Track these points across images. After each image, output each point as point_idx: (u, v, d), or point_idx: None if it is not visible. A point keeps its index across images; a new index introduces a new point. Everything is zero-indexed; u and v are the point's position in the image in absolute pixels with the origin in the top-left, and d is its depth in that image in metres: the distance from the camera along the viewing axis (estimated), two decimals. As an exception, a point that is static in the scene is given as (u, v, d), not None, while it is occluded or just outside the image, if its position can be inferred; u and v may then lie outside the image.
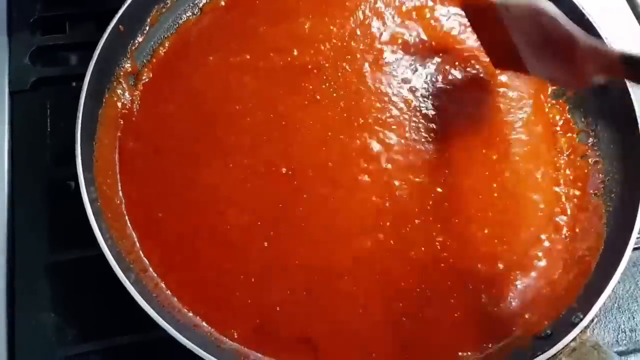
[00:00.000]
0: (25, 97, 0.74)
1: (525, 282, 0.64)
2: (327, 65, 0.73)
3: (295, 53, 0.74)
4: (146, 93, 0.72)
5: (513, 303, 0.63)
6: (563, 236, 0.67)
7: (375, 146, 0.69)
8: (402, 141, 0.69)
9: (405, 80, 0.73)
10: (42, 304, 0.63)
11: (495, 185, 0.68)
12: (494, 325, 0.62)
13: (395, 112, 0.71)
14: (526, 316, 0.62)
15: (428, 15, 0.77)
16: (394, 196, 0.66)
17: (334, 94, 0.72)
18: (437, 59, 0.75)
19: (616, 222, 0.66)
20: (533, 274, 0.65)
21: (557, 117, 0.74)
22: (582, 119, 0.74)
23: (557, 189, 0.70)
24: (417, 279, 0.63)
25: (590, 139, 0.73)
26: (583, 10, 0.72)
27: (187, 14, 0.77)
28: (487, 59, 0.74)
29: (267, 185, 0.66)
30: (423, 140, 0.70)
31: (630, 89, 0.69)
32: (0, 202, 0.67)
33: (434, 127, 0.71)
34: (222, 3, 0.78)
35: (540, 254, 0.66)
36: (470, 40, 0.76)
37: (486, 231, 0.66)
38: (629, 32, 0.87)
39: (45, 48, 0.79)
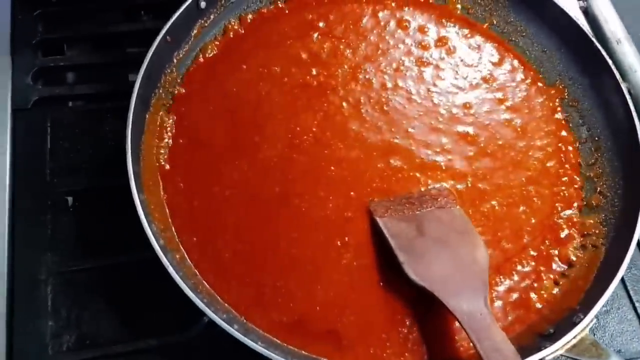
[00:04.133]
0: (27, 115, 0.83)
1: (508, 285, 0.74)
2: (339, 87, 0.84)
3: (314, 72, 0.85)
4: (188, 95, 0.83)
5: (497, 303, 0.72)
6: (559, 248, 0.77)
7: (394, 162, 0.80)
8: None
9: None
10: (40, 311, 0.69)
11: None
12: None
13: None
14: (515, 314, 0.71)
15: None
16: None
17: (346, 114, 0.83)
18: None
19: (617, 233, 0.75)
20: (516, 277, 0.74)
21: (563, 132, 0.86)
22: (587, 131, 0.86)
23: (557, 205, 0.80)
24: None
25: (595, 154, 0.84)
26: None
27: (228, 25, 0.89)
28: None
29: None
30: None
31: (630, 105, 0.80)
32: (2, 214, 0.74)
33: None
34: (264, 11, 0.91)
35: (524, 262, 0.75)
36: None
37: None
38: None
39: (46, 69, 0.88)
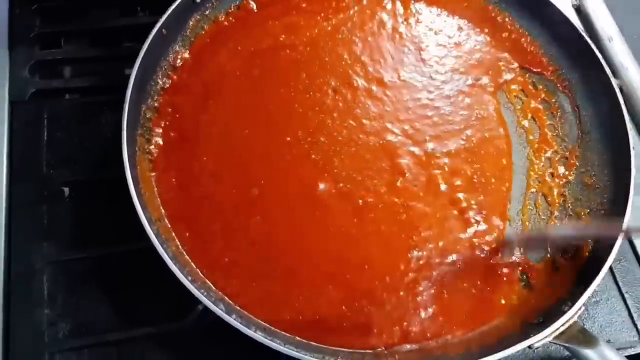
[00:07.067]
0: (24, 107, 0.84)
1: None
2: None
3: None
4: (177, 85, 0.83)
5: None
6: None
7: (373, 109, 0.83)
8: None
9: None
10: (37, 300, 0.70)
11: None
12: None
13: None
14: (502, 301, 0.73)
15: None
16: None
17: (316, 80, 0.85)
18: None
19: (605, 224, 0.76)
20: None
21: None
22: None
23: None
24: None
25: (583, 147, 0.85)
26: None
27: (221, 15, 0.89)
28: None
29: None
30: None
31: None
32: (-1, 204, 0.75)
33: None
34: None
35: None
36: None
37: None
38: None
39: (43, 62, 0.89)
